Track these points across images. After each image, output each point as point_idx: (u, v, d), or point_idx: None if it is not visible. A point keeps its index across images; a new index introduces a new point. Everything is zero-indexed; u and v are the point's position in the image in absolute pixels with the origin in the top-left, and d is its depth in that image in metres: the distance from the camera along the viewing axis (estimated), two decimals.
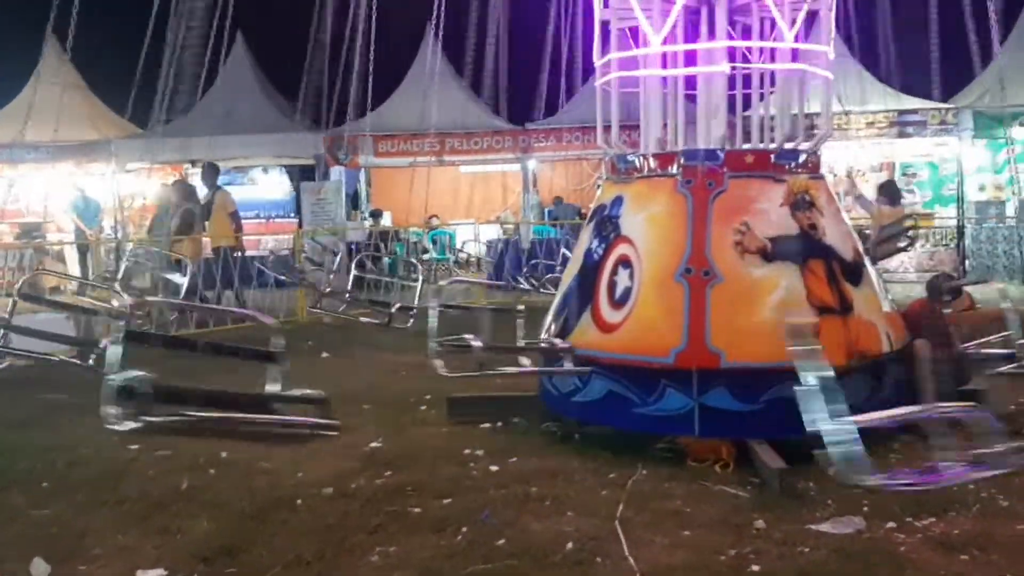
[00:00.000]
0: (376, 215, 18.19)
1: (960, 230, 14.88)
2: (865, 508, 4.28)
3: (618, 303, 5.37)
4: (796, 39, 5.51)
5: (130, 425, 3.64)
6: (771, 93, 6.08)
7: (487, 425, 5.99)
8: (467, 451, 5.42)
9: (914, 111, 14.92)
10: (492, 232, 17.11)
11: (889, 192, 10.94)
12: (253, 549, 3.99)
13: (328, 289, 10.11)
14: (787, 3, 5.50)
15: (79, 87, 17.23)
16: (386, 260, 14.55)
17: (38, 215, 17.27)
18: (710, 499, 4.52)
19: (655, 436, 5.31)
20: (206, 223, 11.77)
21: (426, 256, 16.18)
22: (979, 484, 4.49)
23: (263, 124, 16.45)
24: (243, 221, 12.17)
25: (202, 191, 12.44)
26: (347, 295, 9.40)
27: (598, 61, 6.00)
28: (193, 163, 16.83)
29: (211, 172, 12.34)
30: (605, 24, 5.93)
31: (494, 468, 5.09)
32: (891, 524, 4.09)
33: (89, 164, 16.25)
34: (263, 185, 18.90)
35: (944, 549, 3.82)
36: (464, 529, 4.15)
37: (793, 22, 5.52)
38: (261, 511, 4.45)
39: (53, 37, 17.35)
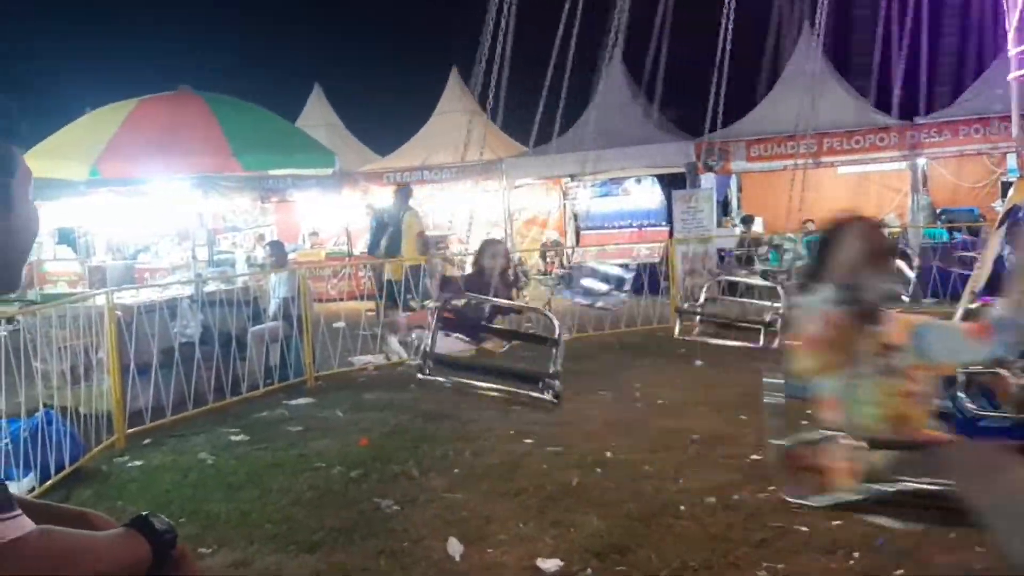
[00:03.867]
0: (747, 221, 17.87)
1: None
2: None
3: None
4: None
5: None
6: None
7: None
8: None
9: None
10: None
11: None
12: (641, 551, 4.13)
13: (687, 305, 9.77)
14: None
15: (477, 113, 19.05)
16: (759, 268, 14.21)
17: (442, 229, 19.35)
18: None
19: None
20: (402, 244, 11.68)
21: (800, 263, 15.54)
22: None
23: (637, 136, 16.93)
24: (617, 231, 12.51)
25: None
26: (700, 316, 8.44)
27: (1012, 50, 5.39)
28: (572, 177, 17.81)
29: (403, 194, 12.40)
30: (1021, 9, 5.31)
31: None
32: None
33: (485, 182, 17.87)
34: (636, 195, 19.45)
35: None
36: (856, 554, 3.95)
37: None
38: (647, 514, 4.60)
39: (455, 71, 19.48)
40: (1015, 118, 5.40)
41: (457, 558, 4.20)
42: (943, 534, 4.11)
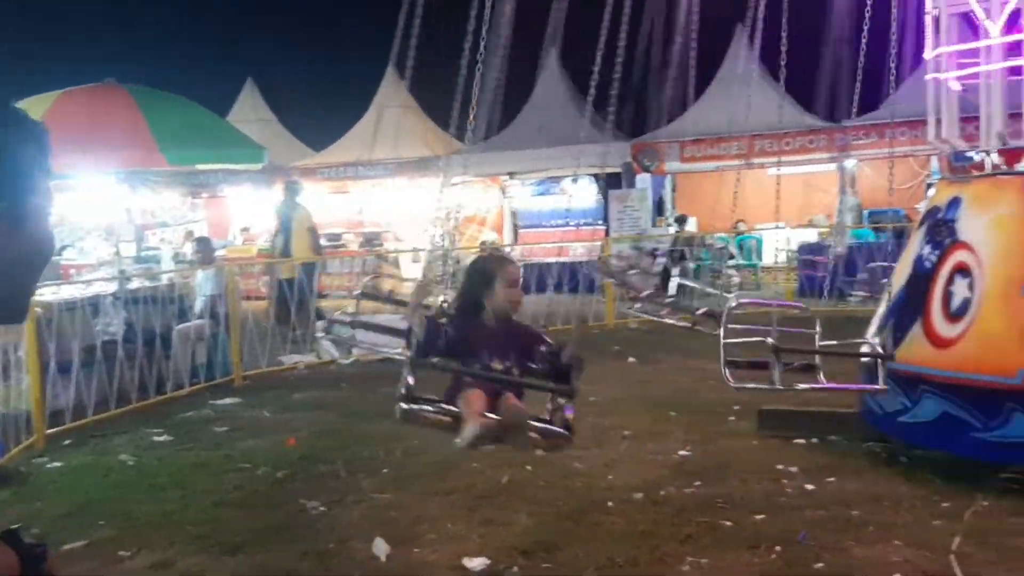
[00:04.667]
0: (681, 221, 18.10)
1: None
2: None
3: (955, 316, 4.90)
4: None
5: None
6: None
7: (801, 441, 5.74)
8: (780, 467, 5.23)
9: None
10: (803, 237, 16.32)
11: None
12: (568, 548, 4.13)
13: (647, 293, 9.90)
14: None
15: (413, 109, 18.93)
16: (691, 266, 14.39)
17: (377, 226, 19.19)
18: None
19: (995, 465, 4.77)
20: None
21: (732, 262, 15.80)
22: None
23: (574, 135, 17.02)
24: (554, 229, 12.51)
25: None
26: (666, 298, 8.88)
27: (929, 54, 5.54)
28: (511, 175, 17.82)
29: (292, 191, 11.85)
30: (936, 15, 5.45)
31: (810, 487, 4.87)
32: None
33: (421, 178, 17.78)
34: (573, 194, 19.55)
35: None
36: (779, 548, 4.01)
37: None
38: (576, 511, 4.61)
39: (392, 65, 19.32)
40: (931, 120, 5.52)
41: (383, 558, 4.15)
42: (863, 528, 4.21)
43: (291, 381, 8.71)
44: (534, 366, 3.24)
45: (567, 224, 18.75)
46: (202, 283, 9.09)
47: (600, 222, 18.35)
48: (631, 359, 9.07)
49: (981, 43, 5.15)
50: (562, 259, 16.48)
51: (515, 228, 19.63)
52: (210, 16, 31.63)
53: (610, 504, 4.70)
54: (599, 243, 14.65)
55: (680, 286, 10.17)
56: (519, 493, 4.94)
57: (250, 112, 20.84)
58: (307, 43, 31.04)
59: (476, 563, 4.01)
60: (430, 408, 3.18)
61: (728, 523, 4.35)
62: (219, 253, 13.23)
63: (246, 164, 11.35)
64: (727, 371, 4.72)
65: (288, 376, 8.97)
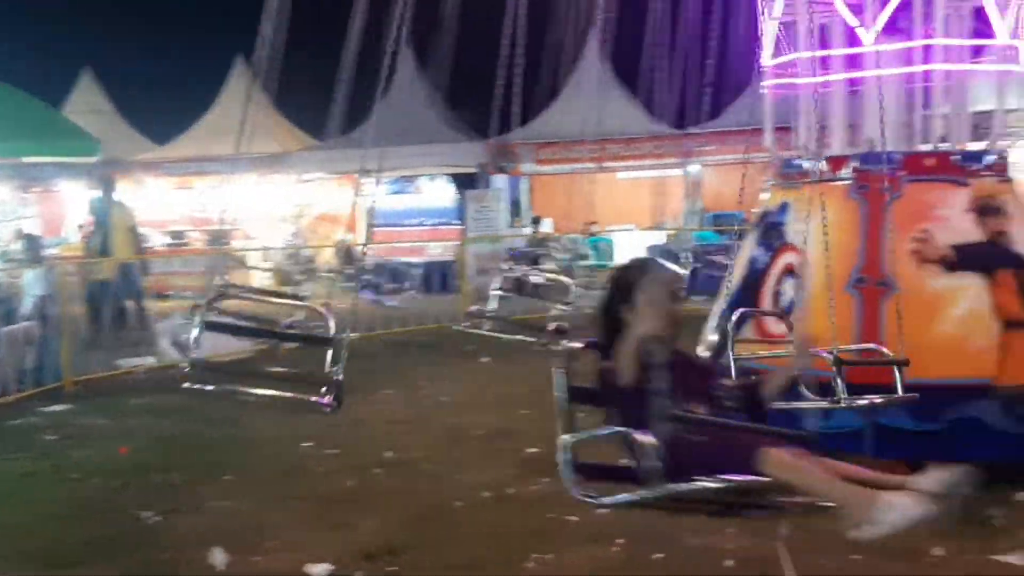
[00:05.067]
0: (536, 222, 18.38)
1: None
2: None
3: (784, 314, 5.17)
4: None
5: None
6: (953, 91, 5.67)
7: None
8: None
9: None
10: (654, 238, 16.90)
11: None
12: (415, 550, 4.11)
13: (474, 307, 9.59)
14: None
15: (263, 104, 18.33)
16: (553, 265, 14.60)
17: (225, 223, 18.50)
18: None
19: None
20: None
21: (583, 263, 16.17)
22: None
23: (430, 134, 16.98)
24: (410, 228, 12.42)
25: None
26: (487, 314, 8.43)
27: (766, 63, 5.83)
28: (365, 173, 17.53)
29: (106, 186, 10.98)
30: (773, 25, 5.74)
31: None
32: None
33: (271, 175, 17.27)
34: (428, 193, 19.48)
35: None
36: (620, 541, 4.11)
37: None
38: (424, 512, 4.58)
39: (241, 57, 18.69)
40: (768, 127, 5.81)
41: (221, 568, 3.99)
42: (697, 519, 4.37)
43: (129, 386, 8.27)
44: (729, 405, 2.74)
45: (422, 224, 18.67)
46: (31, 283, 8.52)
47: (456, 222, 18.37)
48: (484, 359, 9.11)
49: (801, 54, 5.44)
50: (418, 259, 16.44)
51: (369, 227, 19.36)
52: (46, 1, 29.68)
53: (458, 504, 4.70)
54: (456, 243, 14.67)
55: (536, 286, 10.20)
56: (366, 497, 4.87)
57: (86, 103, 19.68)
58: (150, 32, 29.59)
59: (319, 569, 3.92)
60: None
61: (574, 518, 4.42)
62: (52, 251, 12.42)
63: (78, 157, 10.66)
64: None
65: (126, 381, 8.52)
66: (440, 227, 18.86)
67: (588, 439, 2.88)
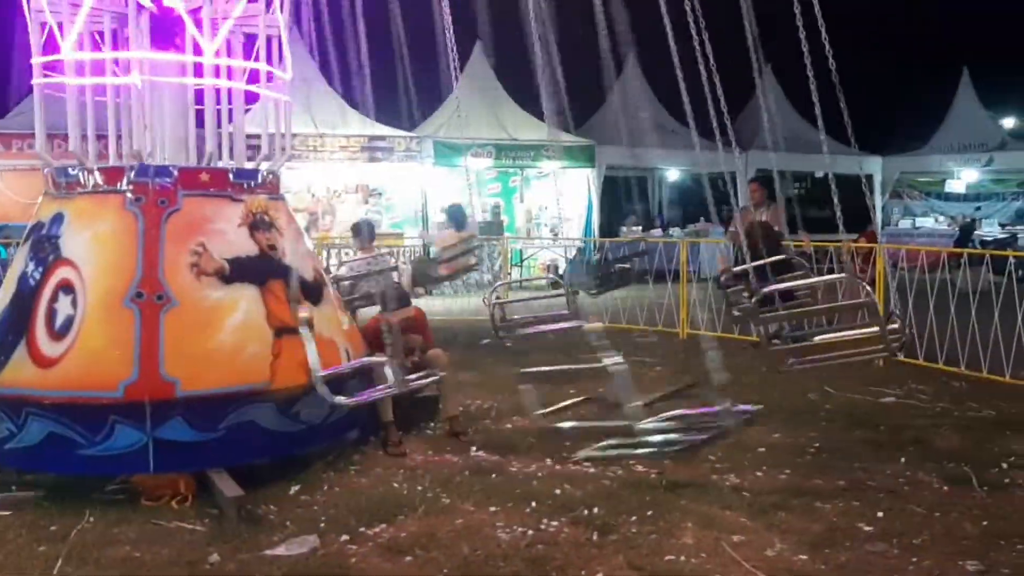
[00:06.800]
0: None
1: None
2: (322, 524, 4.36)
3: (59, 334, 4.79)
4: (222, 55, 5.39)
5: None
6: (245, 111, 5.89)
7: None
8: None
9: (382, 137, 15.88)
10: None
11: (456, 217, 10.96)
12: None
13: None
14: (223, 19, 5.38)
15: None
16: None
17: None
18: (165, 538, 4.22)
19: (106, 478, 4.83)
20: None
21: None
22: (425, 486, 4.89)
23: None
24: None
25: None
26: None
27: (35, 61, 5.33)
28: None
29: None
30: (37, 19, 5.27)
31: None
32: (345, 537, 4.21)
33: None
34: None
35: (391, 554, 4.04)
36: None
37: (234, 40, 5.52)
38: None
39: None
40: (39, 131, 5.33)
41: None
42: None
43: None
44: None
45: None
46: None
47: None
48: None
49: (65, 55, 5.11)
50: None
51: None
52: None
53: None
54: None
55: None
56: None
57: None
58: None
59: None
60: None
61: None
62: None
63: None
64: None
65: None
66: None
67: None
